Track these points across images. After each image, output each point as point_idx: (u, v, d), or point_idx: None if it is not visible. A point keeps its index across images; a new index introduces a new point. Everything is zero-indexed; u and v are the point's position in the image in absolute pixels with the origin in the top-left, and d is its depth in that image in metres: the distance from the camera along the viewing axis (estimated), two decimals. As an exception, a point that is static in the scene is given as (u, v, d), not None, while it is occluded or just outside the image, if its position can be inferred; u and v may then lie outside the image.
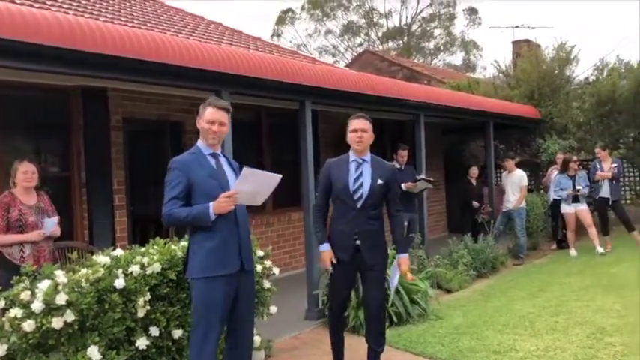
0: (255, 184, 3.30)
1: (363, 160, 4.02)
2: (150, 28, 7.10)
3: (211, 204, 3.21)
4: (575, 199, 8.94)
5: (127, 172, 6.77)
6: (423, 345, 4.83)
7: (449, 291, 6.93)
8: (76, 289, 3.31)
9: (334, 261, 3.98)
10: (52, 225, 4.64)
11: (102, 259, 3.59)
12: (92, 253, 3.72)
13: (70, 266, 3.55)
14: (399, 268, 4.13)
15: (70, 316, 3.23)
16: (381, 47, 32.75)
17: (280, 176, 3.40)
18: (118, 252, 3.73)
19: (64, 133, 6.26)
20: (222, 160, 3.49)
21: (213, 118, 3.38)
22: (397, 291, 5.49)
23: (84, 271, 3.45)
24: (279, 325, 5.24)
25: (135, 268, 3.55)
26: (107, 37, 4.23)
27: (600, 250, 8.65)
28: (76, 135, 6.23)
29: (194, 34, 8.36)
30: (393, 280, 4.37)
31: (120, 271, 3.51)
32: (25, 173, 4.60)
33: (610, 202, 9.11)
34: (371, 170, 3.99)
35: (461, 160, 12.57)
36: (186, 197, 3.26)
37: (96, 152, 6.36)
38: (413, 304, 5.60)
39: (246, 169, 3.23)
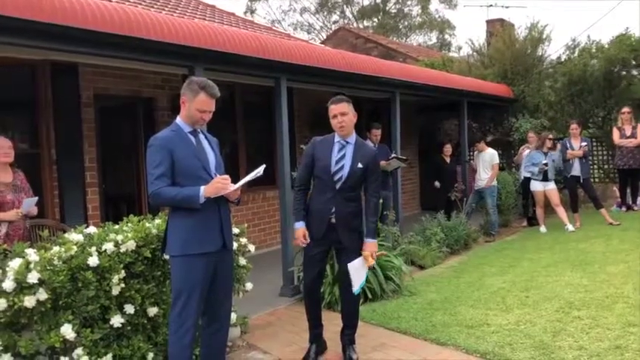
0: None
1: (347, 142, 4.00)
2: (121, 1, 6.92)
3: (202, 187, 3.17)
4: (545, 178, 9.07)
5: (98, 150, 6.65)
6: (397, 320, 4.89)
7: (422, 267, 7.02)
8: (48, 268, 3.26)
9: (307, 240, 3.99)
10: (29, 204, 4.53)
11: (75, 236, 3.54)
12: (64, 232, 3.65)
13: (42, 244, 3.49)
14: (363, 253, 3.95)
15: (42, 294, 3.18)
16: (356, 25, 32.52)
17: (264, 166, 3.44)
18: (91, 230, 3.68)
19: (31, 109, 6.10)
20: (201, 137, 3.43)
21: (206, 108, 3.30)
22: (372, 268, 5.51)
23: (56, 249, 3.40)
24: (255, 302, 5.27)
25: (109, 246, 3.51)
26: (77, 10, 4.10)
27: (570, 227, 8.81)
28: (45, 111, 6.07)
29: (167, 8, 8.18)
30: (355, 277, 3.91)
31: (93, 249, 3.46)
32: (2, 148, 4.47)
33: (581, 180, 9.28)
34: (353, 153, 3.98)
35: (435, 138, 12.66)
36: (172, 175, 3.20)
37: (66, 129, 6.23)
38: (387, 280, 5.66)
39: (262, 169, 3.34)
